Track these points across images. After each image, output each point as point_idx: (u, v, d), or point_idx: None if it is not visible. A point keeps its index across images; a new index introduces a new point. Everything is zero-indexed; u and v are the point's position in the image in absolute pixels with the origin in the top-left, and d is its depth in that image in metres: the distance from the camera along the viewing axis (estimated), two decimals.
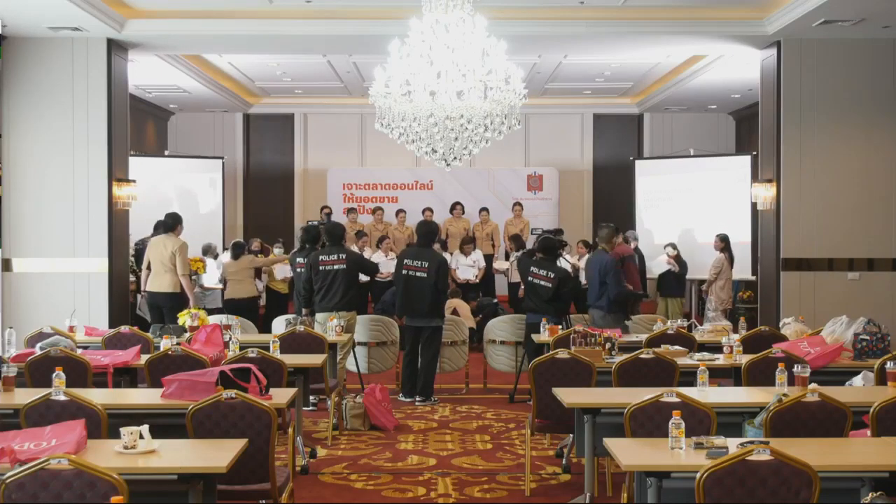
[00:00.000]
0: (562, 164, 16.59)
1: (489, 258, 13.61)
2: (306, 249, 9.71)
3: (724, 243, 11.63)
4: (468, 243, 13.05)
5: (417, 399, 9.03)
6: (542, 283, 8.91)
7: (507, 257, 13.17)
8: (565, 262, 11.05)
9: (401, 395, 9.19)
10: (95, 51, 10.02)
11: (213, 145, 16.53)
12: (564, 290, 8.90)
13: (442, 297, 9.22)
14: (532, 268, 9.05)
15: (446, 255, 11.86)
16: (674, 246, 12.09)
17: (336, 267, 8.83)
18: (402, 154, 13.61)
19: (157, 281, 9.84)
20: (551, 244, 9.23)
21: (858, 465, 4.11)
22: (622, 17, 10.02)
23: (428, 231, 9.42)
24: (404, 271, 9.07)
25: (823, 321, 7.43)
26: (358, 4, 9.82)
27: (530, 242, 12.72)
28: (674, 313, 11.25)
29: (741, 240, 12.63)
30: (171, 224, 9.99)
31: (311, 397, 8.36)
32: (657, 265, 12.07)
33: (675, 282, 11.77)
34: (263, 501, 4.78)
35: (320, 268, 8.85)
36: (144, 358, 6.49)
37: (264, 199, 16.95)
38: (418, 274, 8.99)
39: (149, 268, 9.96)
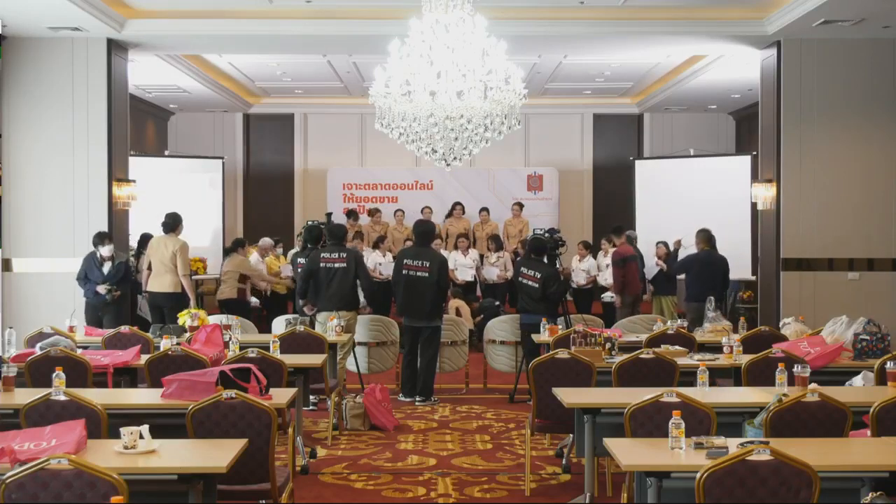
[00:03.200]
0: (562, 164, 16.60)
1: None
2: (308, 249, 9.70)
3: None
4: (463, 238, 12.96)
5: (417, 399, 9.03)
6: (530, 283, 8.95)
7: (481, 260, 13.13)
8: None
9: (400, 395, 9.17)
10: (95, 51, 10.03)
11: (213, 145, 16.53)
12: (550, 290, 8.89)
13: (443, 297, 9.21)
14: (521, 268, 9.10)
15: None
16: (665, 244, 12.09)
17: (337, 265, 8.83)
18: (402, 154, 13.61)
19: (158, 281, 9.83)
20: (541, 244, 9.25)
21: (858, 465, 4.11)
22: (622, 17, 10.03)
23: (427, 230, 9.42)
24: (405, 271, 9.04)
25: (823, 321, 7.43)
26: (358, 4, 9.82)
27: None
28: (668, 311, 11.25)
29: (741, 240, 12.63)
30: (171, 224, 9.98)
31: (311, 397, 8.35)
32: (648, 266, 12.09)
33: (665, 280, 11.76)
34: (263, 501, 4.78)
35: (321, 265, 8.85)
36: (144, 358, 6.49)
37: (264, 199, 16.96)
38: (419, 273, 8.98)
39: (149, 268, 9.95)
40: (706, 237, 10.23)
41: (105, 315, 9.26)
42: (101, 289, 9.25)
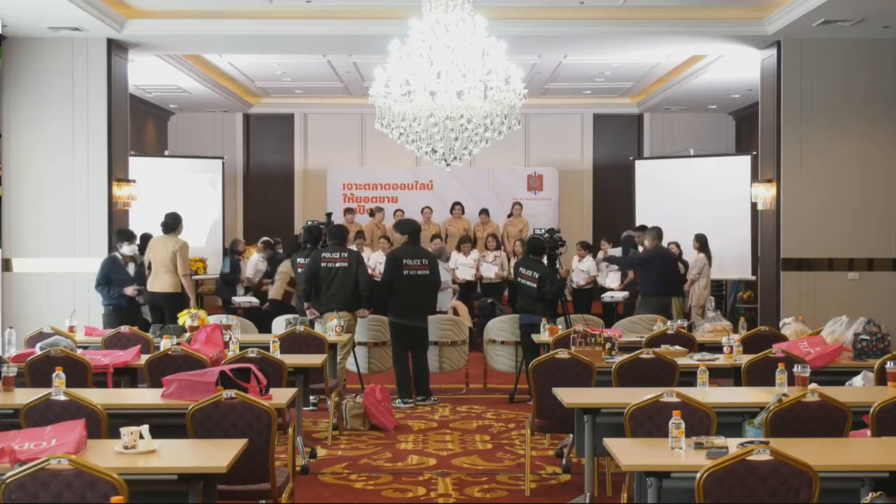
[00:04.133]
0: (562, 164, 16.59)
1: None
2: (308, 249, 9.70)
3: (700, 243, 11.63)
4: (466, 242, 13.00)
5: (419, 399, 9.02)
6: (528, 283, 8.97)
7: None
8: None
9: (399, 401, 8.87)
10: (95, 51, 10.03)
11: (213, 145, 16.53)
12: (545, 289, 8.89)
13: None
14: (520, 268, 9.11)
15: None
16: (677, 245, 12.08)
17: (338, 265, 8.82)
18: (402, 154, 13.60)
19: (158, 281, 9.81)
20: (539, 244, 9.26)
21: (858, 465, 4.10)
22: (622, 17, 10.03)
23: (416, 229, 9.46)
24: (406, 272, 8.99)
25: (823, 321, 7.42)
26: (358, 4, 9.82)
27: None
28: (676, 310, 11.23)
29: (741, 240, 12.63)
30: (171, 224, 9.97)
31: (311, 397, 8.35)
32: None
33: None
34: (263, 501, 4.78)
35: (322, 265, 8.84)
36: (144, 358, 6.49)
37: (264, 199, 16.96)
38: (420, 273, 8.97)
39: (149, 268, 9.95)
40: (658, 234, 10.24)
41: (136, 316, 9.08)
42: (131, 290, 9.10)
